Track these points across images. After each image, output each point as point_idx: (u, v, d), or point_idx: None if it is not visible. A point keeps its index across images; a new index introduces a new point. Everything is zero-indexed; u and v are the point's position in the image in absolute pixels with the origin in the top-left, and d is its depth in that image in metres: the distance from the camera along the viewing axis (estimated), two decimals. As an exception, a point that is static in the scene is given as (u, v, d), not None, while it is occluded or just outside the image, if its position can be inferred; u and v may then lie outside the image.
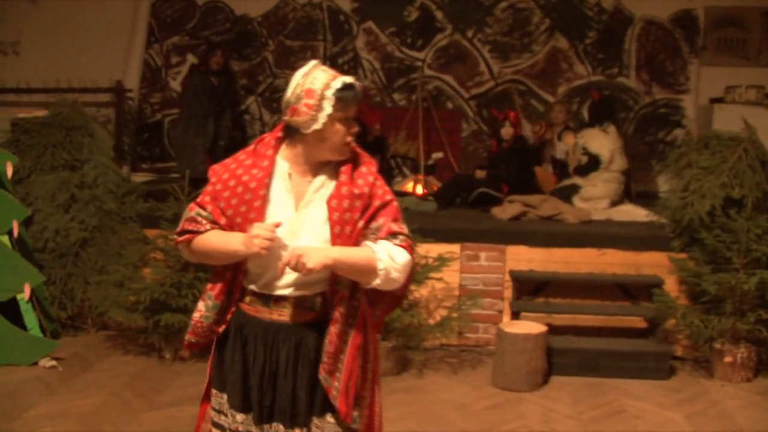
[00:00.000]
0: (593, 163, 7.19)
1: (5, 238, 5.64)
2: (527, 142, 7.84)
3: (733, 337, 5.64)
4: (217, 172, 2.59)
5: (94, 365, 5.68)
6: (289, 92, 2.49)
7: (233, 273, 2.58)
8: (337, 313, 2.51)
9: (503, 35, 9.08)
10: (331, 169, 2.56)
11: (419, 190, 7.84)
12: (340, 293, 2.52)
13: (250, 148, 2.60)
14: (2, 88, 8.79)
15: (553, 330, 5.79)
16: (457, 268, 6.09)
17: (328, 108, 2.44)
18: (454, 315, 5.83)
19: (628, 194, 7.61)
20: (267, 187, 2.51)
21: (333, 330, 2.49)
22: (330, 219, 2.48)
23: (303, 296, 2.54)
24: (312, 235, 2.49)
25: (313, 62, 2.54)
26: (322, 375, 2.49)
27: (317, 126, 2.45)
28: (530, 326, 5.53)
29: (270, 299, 2.55)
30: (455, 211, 7.25)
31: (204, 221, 2.55)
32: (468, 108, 9.11)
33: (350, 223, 2.49)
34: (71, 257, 6.33)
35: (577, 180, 7.31)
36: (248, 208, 2.49)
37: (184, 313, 5.50)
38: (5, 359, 5.54)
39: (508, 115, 7.60)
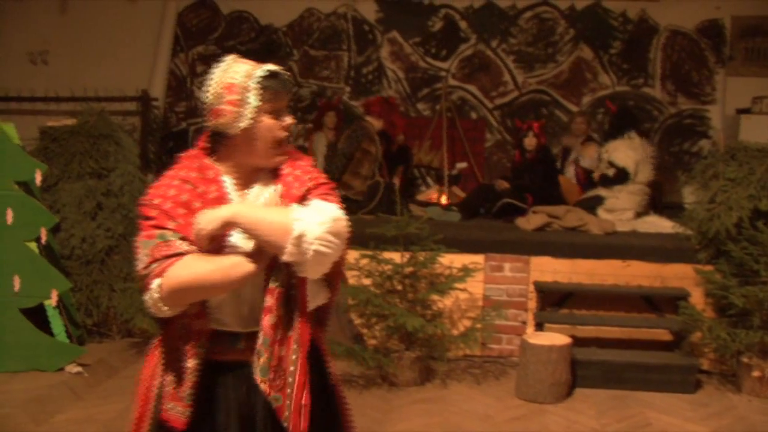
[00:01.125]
0: (621, 176, 7.14)
1: (33, 245, 5.69)
2: (551, 153, 7.81)
3: (761, 351, 5.57)
4: (158, 194, 2.13)
5: (119, 371, 5.72)
6: (208, 94, 2.15)
7: (189, 317, 2.12)
8: (273, 316, 2.10)
9: (528, 45, 9.08)
10: (267, 174, 2.24)
11: (443, 200, 7.84)
12: (274, 290, 2.11)
13: (178, 171, 2.18)
14: (31, 97, 8.89)
15: (578, 342, 5.76)
16: (481, 279, 6.08)
17: (253, 100, 2.12)
18: (478, 326, 5.82)
19: (655, 206, 7.56)
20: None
21: (270, 335, 2.09)
22: None
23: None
24: None
25: (229, 57, 2.21)
26: (272, 395, 2.11)
27: (245, 123, 2.12)
28: (554, 338, 5.50)
29: (240, 337, 2.17)
30: (479, 221, 7.24)
31: (176, 241, 2.06)
32: (492, 118, 9.10)
33: None
34: (97, 264, 6.38)
35: (601, 191, 7.27)
36: None
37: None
38: (32, 364, 5.60)
39: (531, 125, 7.59)
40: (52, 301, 5.64)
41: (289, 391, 2.12)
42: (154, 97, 8.90)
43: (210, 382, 2.14)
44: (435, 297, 5.78)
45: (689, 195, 7.87)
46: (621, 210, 7.10)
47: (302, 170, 2.23)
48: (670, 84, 8.90)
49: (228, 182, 2.19)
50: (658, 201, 7.76)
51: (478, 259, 6.07)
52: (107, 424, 4.73)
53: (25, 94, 8.98)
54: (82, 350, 5.80)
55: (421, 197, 8.32)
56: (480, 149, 9.00)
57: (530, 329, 6.06)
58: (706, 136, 8.76)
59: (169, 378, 2.14)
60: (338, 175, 7.18)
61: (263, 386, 2.10)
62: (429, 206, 7.59)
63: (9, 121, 6.06)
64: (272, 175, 2.23)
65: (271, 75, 2.15)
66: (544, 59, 9.07)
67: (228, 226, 2.04)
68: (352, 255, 5.75)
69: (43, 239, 5.72)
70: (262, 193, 2.21)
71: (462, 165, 8.47)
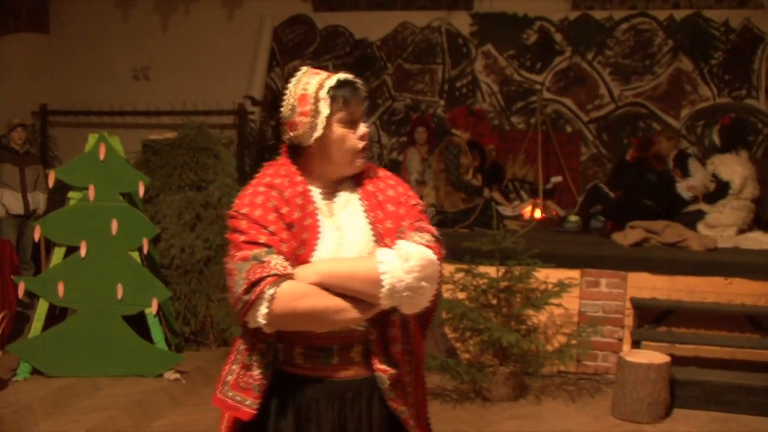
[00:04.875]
0: (722, 189, 6.92)
1: (136, 255, 5.87)
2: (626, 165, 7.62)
3: None
4: (245, 203, 2.06)
5: (215, 380, 5.80)
6: (283, 107, 2.13)
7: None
8: (400, 344, 2.10)
9: (624, 57, 8.93)
10: (350, 182, 2.19)
11: (537, 213, 7.75)
12: (396, 321, 2.10)
13: (263, 179, 2.13)
14: (134, 111, 9.20)
15: (677, 361, 5.59)
16: (577, 294, 5.97)
17: (324, 109, 2.07)
18: (573, 342, 5.71)
19: (758, 222, 7.29)
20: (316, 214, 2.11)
21: (403, 361, 2.11)
22: (371, 222, 2.11)
23: (366, 331, 2.09)
24: (356, 251, 2.08)
25: (303, 69, 2.17)
26: (399, 408, 2.10)
27: (317, 133, 2.07)
28: (652, 356, 5.35)
29: (332, 350, 2.09)
30: (575, 236, 7.13)
31: (271, 260, 1.96)
32: (587, 131, 8.96)
33: (390, 217, 2.11)
34: (195, 274, 6.53)
35: (702, 206, 7.07)
36: (310, 235, 2.05)
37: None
38: (133, 370, 5.77)
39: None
40: (152, 310, 5.80)
41: (410, 400, 2.12)
42: (250, 111, 9.09)
43: (300, 399, 2.09)
44: (530, 312, 5.71)
45: (796, 211, 7.59)
46: (723, 226, 6.88)
47: (386, 184, 2.19)
48: (775, 95, 8.61)
49: (314, 191, 2.13)
50: (761, 217, 7.48)
51: (574, 274, 5.96)
52: (207, 429, 4.81)
53: (128, 109, 9.31)
54: (180, 357, 5.94)
55: (516, 211, 8.26)
56: (575, 163, 8.88)
57: (626, 346, 5.91)
58: (813, 150, 8.44)
59: (236, 368, 2.19)
60: (455, 197, 7.25)
61: (391, 404, 2.08)
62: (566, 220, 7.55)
63: (114, 134, 6.26)
64: (354, 183, 2.18)
65: (343, 84, 2.10)
66: (642, 71, 8.90)
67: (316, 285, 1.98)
68: (448, 269, 5.74)
69: (145, 249, 5.89)
70: (348, 204, 2.15)
71: (557, 179, 8.38)
